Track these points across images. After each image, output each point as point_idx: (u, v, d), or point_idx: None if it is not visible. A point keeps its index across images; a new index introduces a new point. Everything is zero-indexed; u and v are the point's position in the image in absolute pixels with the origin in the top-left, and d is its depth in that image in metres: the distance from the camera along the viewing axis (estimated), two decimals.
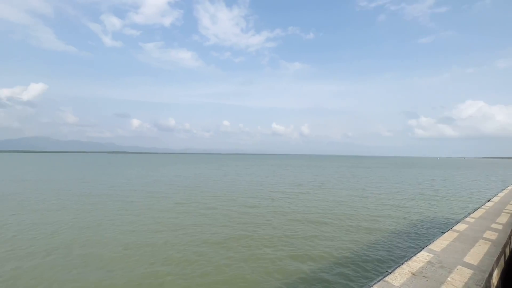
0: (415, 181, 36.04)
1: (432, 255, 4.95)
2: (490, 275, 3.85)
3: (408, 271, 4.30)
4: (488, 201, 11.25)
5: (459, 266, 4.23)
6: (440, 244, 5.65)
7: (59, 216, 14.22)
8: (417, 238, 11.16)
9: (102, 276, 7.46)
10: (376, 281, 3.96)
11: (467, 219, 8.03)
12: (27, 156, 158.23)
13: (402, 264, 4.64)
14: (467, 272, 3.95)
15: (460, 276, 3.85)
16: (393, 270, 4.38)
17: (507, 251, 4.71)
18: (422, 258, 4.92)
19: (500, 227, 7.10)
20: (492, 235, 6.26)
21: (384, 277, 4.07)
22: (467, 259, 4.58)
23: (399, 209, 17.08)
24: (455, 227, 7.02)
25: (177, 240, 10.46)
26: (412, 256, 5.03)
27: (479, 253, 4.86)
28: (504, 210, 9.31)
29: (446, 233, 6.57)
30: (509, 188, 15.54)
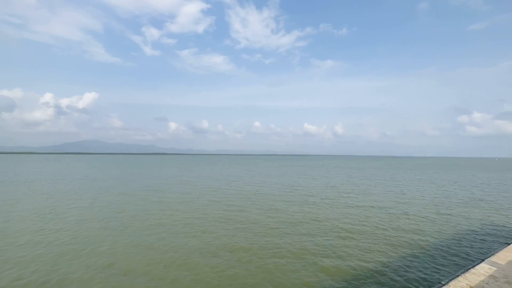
0: (468, 185, 32.25)
1: (495, 268, 4.38)
2: None
3: (466, 284, 3.87)
4: None
5: None
6: (504, 256, 4.98)
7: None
8: (471, 248, 9.96)
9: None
10: None
11: None
12: (84, 158, 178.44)
13: (458, 276, 4.20)
14: None
15: None
16: (447, 282, 3.99)
17: None
18: (482, 271, 4.39)
19: None
20: None
21: None
22: None
23: (444, 217, 15.46)
24: None
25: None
26: (470, 268, 4.51)
27: None
28: None
29: (511, 245, 5.76)
30: None
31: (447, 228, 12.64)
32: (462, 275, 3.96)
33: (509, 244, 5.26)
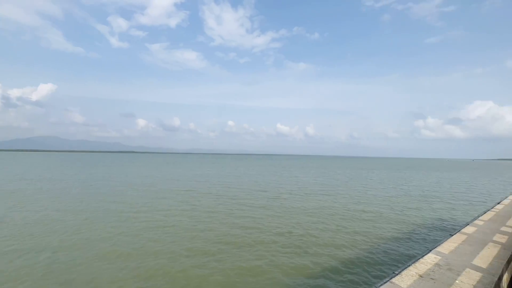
0: (423, 183, 35.51)
1: (440, 257, 4.89)
2: (500, 278, 3.78)
3: (415, 273, 4.26)
4: (498, 203, 11.03)
5: (467, 269, 4.17)
6: (448, 246, 5.57)
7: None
8: (424, 241, 11.01)
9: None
10: (382, 283, 3.93)
11: (476, 221, 7.89)
12: (37, 155, 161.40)
13: (409, 266, 4.60)
14: (476, 275, 3.90)
15: (468, 279, 3.80)
16: (400, 271, 4.34)
17: None
18: (429, 260, 4.86)
19: (510, 230, 6.96)
20: (502, 238, 6.15)
21: (391, 278, 4.04)
22: (476, 262, 4.51)
23: (403, 212, 16.86)
24: (464, 230, 6.90)
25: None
26: (419, 258, 4.97)
27: (488, 256, 4.78)
28: None
29: (455, 235, 6.47)
30: None
31: (402, 224, 13.77)
32: (412, 264, 4.33)
33: (453, 235, 5.89)
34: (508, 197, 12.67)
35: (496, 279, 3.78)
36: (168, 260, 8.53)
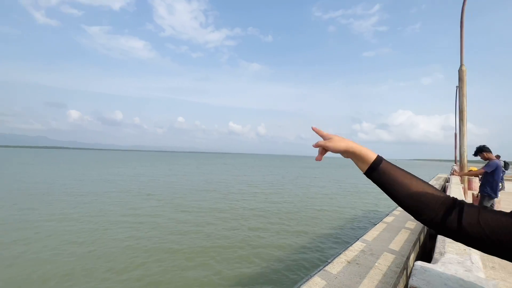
0: (358, 180, 40.13)
1: (365, 244, 5.57)
2: (408, 258, 4.48)
3: (345, 259, 4.75)
4: None
5: (385, 253, 4.84)
6: (372, 234, 6.39)
7: None
8: (354, 230, 12.44)
9: None
10: (316, 271, 4.27)
11: (394, 211, 9.28)
12: None
13: (340, 254, 5.11)
14: (390, 257, 4.54)
15: (384, 260, 4.41)
16: (332, 260, 4.79)
17: (421, 237, 5.57)
18: (356, 247, 5.49)
19: None
20: (412, 225, 7.35)
21: (324, 266, 4.42)
22: (392, 246, 5.28)
23: (341, 206, 18.76)
24: (385, 219, 8.03)
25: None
26: (348, 246, 5.57)
27: (400, 240, 5.66)
28: None
29: (377, 224, 7.46)
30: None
31: (340, 217, 15.32)
32: (343, 252, 4.76)
33: (376, 224, 6.72)
34: None
35: (405, 258, 4.45)
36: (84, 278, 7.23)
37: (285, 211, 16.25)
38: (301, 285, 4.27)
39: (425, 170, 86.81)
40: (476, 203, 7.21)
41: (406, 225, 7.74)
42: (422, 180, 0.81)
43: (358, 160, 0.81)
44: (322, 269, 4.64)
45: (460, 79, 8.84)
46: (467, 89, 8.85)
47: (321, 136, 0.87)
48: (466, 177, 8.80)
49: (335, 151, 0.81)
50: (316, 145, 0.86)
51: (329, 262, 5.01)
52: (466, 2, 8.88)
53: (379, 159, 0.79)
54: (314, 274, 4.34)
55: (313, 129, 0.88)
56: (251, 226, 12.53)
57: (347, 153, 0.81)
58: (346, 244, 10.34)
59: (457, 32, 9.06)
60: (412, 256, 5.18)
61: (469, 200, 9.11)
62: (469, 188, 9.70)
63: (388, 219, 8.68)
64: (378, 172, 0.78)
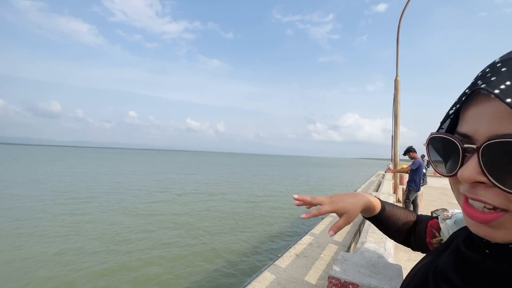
0: (306, 177, 42.70)
1: (313, 238, 5.94)
2: (348, 248, 4.89)
3: (294, 253, 4.99)
4: (354, 191, 14.59)
5: (330, 244, 5.23)
6: (319, 228, 6.86)
7: None
8: (306, 226, 13.20)
9: None
10: (267, 266, 4.38)
11: None
12: None
13: (290, 248, 5.35)
14: (334, 248, 4.91)
15: (329, 252, 4.76)
16: (282, 254, 4.99)
17: (361, 228, 6.14)
18: (305, 241, 5.82)
19: None
20: None
21: (274, 261, 4.57)
22: (336, 237, 5.73)
23: (292, 204, 19.72)
24: (332, 213, 8.71)
25: None
26: (298, 240, 5.87)
27: (344, 232, 6.19)
28: None
29: (325, 218, 8.04)
30: (369, 179, 20.70)
31: (287, 215, 16.06)
32: (292, 246, 4.96)
33: (323, 218, 7.19)
34: (361, 186, 16.97)
35: (346, 249, 4.85)
36: None
37: (240, 210, 16.29)
38: (251, 281, 4.33)
39: (368, 167, 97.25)
40: (404, 196, 8.32)
41: None
42: (403, 208, 0.87)
43: (367, 212, 0.81)
44: (272, 264, 4.78)
45: (395, 88, 10.08)
46: (401, 96, 10.15)
47: (309, 203, 0.81)
48: (398, 173, 10.08)
49: (355, 213, 0.76)
50: (314, 215, 0.77)
51: (279, 257, 5.19)
52: (402, 21, 10.15)
53: (383, 207, 0.81)
54: (264, 269, 4.46)
55: (295, 199, 0.81)
56: (204, 228, 12.10)
57: (364, 211, 0.80)
58: (297, 238, 10.91)
59: (395, 46, 10.31)
60: (353, 246, 5.71)
61: (400, 193, 10.44)
62: (401, 183, 11.14)
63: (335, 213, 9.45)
64: (381, 216, 0.81)
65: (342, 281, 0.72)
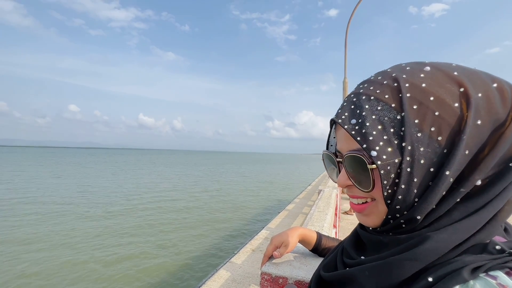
0: (268, 173, 43.86)
1: (269, 232, 6.11)
2: None
3: (250, 248, 5.07)
4: (309, 185, 15.48)
5: None
6: (275, 222, 7.10)
7: None
8: (267, 221, 13.51)
9: None
10: (223, 264, 4.37)
11: (295, 199, 10.66)
12: None
13: (246, 244, 5.41)
14: None
15: None
16: (238, 250, 5.02)
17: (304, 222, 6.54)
18: (261, 236, 5.96)
19: (312, 203, 9.89)
20: (307, 210, 8.59)
21: (230, 258, 4.57)
22: None
23: (250, 201, 19.99)
24: (287, 207, 9.09)
25: None
26: (254, 235, 5.98)
27: (297, 224, 6.52)
28: (316, 191, 13.10)
29: (281, 212, 8.36)
30: (322, 174, 22.21)
31: (245, 212, 16.27)
32: (249, 242, 5.02)
33: (279, 212, 7.45)
34: (315, 180, 18.12)
35: None
36: None
37: (196, 212, 15.55)
38: (206, 280, 4.25)
39: (321, 162, 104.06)
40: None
41: (303, 211, 9.01)
42: (338, 240, 0.94)
43: (306, 243, 0.90)
44: (228, 261, 4.77)
45: (344, 89, 10.96)
46: None
47: (272, 253, 0.89)
48: None
49: (292, 243, 0.86)
50: (275, 257, 0.88)
51: (235, 253, 5.21)
52: (349, 26, 11.04)
53: (319, 239, 0.88)
54: (220, 267, 4.42)
55: (263, 263, 0.89)
56: (155, 233, 11.14)
57: (302, 241, 0.90)
58: (254, 234, 11.10)
59: (343, 49, 11.17)
60: None
61: None
62: None
63: (290, 206, 9.87)
64: (320, 248, 0.88)
65: (273, 276, 0.74)
